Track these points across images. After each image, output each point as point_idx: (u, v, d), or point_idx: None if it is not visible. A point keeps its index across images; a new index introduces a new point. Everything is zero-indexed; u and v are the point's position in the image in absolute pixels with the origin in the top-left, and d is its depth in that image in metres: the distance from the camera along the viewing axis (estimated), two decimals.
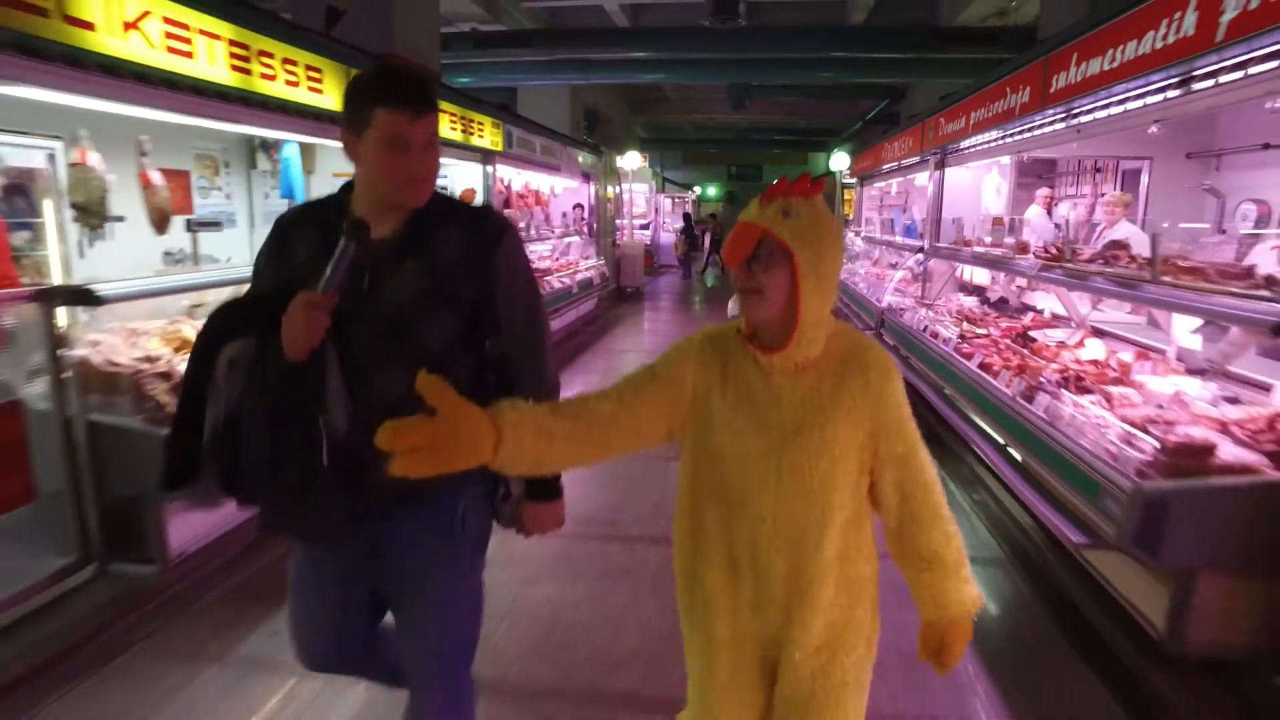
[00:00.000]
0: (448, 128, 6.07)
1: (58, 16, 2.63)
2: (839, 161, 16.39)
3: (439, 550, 1.57)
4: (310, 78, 4.18)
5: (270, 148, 6.89)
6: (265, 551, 3.32)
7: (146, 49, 3.03)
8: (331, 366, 1.43)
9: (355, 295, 1.43)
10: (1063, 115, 4.00)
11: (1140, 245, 4.12)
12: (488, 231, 1.53)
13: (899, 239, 8.63)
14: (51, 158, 4.63)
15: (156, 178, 3.80)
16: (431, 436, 1.13)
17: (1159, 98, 3.05)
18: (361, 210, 1.48)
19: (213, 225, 4.44)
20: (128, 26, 2.92)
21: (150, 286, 3.36)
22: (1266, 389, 3.17)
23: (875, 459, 1.38)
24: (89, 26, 2.76)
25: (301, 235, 1.51)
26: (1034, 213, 6.45)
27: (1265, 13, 2.30)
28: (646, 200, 18.36)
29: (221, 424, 1.42)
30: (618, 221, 14.81)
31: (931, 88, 12.28)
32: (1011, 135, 4.86)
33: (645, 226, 18.09)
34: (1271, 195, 5.36)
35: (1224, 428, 2.61)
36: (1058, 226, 6.35)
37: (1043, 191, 6.65)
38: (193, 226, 3.84)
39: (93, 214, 3.38)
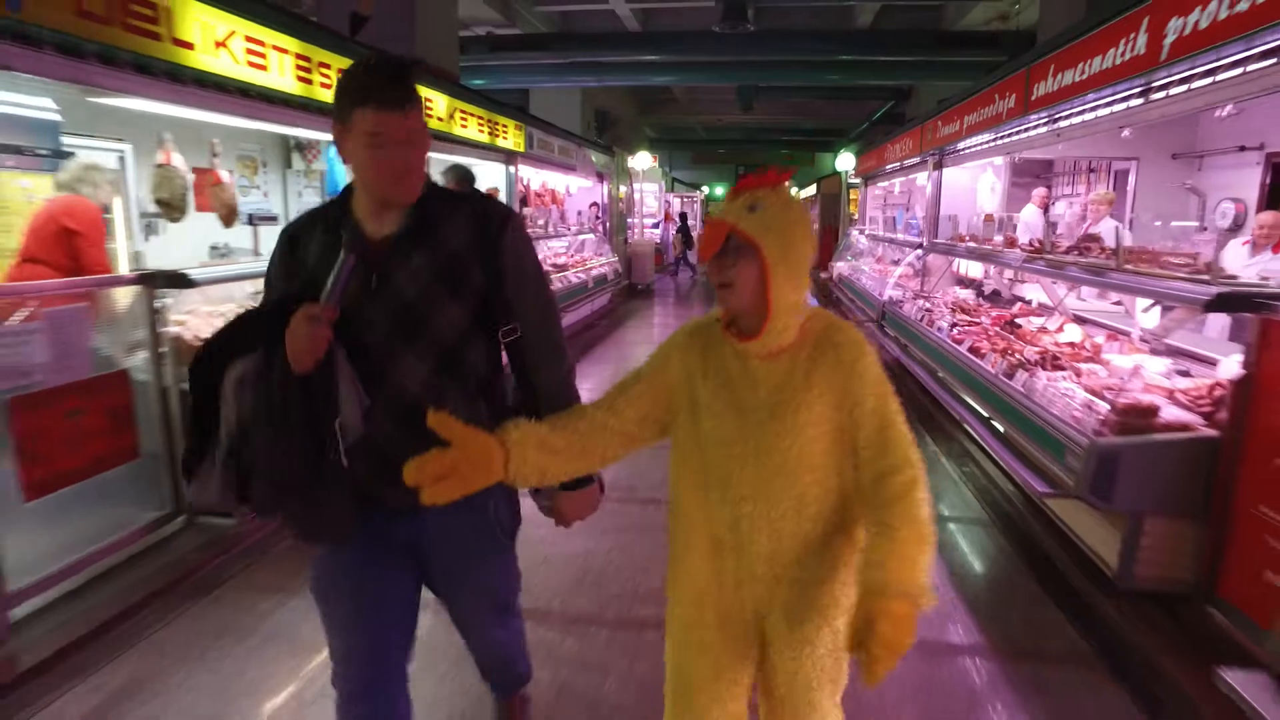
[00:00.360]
0: (475, 130, 6.49)
1: (168, 39, 3.07)
2: (845, 161, 16.73)
3: (475, 545, 1.63)
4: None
5: (305, 149, 7.32)
6: None
7: (232, 64, 3.46)
8: (341, 370, 1.42)
9: (364, 293, 1.44)
10: (1045, 120, 4.39)
11: (1124, 239, 4.50)
12: (491, 219, 1.52)
13: (900, 236, 9.01)
14: (121, 159, 5.08)
15: (226, 176, 4.23)
16: (452, 466, 1.25)
17: (1122, 106, 3.45)
18: (361, 209, 1.48)
19: (270, 220, 4.86)
20: (218, 45, 3.36)
21: (227, 273, 3.79)
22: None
23: (853, 437, 1.39)
24: (190, 46, 3.20)
25: (309, 240, 1.50)
26: (1030, 212, 6.84)
27: (1197, 38, 2.69)
28: (656, 199, 18.72)
29: (235, 438, 1.43)
30: (629, 220, 15.19)
31: (936, 89, 12.62)
32: (1001, 138, 5.24)
33: (656, 225, 18.45)
34: (1248, 194, 5.73)
35: (1170, 394, 3.01)
36: (1053, 224, 6.73)
37: (1039, 191, 7.03)
38: (253, 220, 4.26)
39: (175, 208, 3.81)
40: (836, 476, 1.40)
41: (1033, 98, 4.40)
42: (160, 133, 3.85)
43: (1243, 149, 5.68)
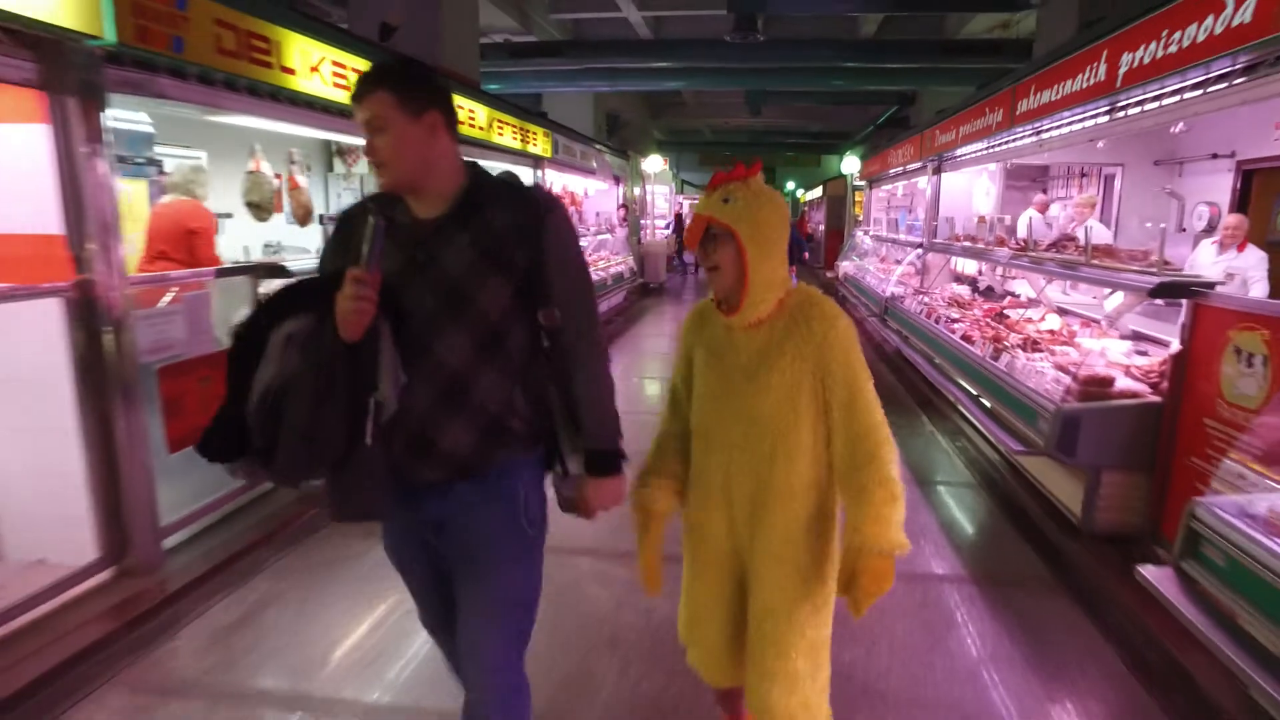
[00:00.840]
0: (510, 137, 7.04)
1: (276, 67, 3.62)
2: (850, 165, 17.22)
3: (502, 535, 1.58)
4: None
5: (346, 154, 7.89)
6: None
7: (321, 84, 4.01)
8: (385, 345, 1.45)
9: (412, 271, 1.48)
10: (1030, 132, 4.92)
11: (1104, 238, 5.03)
12: (536, 205, 1.55)
13: (902, 236, 9.53)
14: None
15: (302, 180, 4.78)
16: (654, 558, 1.75)
17: (1091, 121, 3.98)
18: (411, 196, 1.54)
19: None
20: (312, 69, 3.91)
21: (315, 265, 4.33)
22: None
23: (826, 402, 1.59)
24: (291, 72, 3.74)
25: (360, 223, 1.48)
26: (1029, 215, 7.35)
27: (1144, 70, 3.23)
28: (667, 200, 19.22)
29: (269, 397, 1.42)
30: (642, 221, 15.73)
31: (939, 94, 13.08)
32: (992, 147, 5.77)
33: (668, 226, 18.95)
34: (1221, 198, 6.24)
35: (1126, 370, 3.54)
36: (1049, 225, 7.25)
37: (1039, 197, 7.54)
38: (324, 220, 4.80)
39: (264, 209, 4.36)
40: (810, 434, 1.60)
41: (1017, 113, 4.93)
42: (252, 144, 4.40)
43: (1215, 156, 6.18)
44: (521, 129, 7.33)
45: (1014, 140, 5.19)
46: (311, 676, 2.55)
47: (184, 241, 3.70)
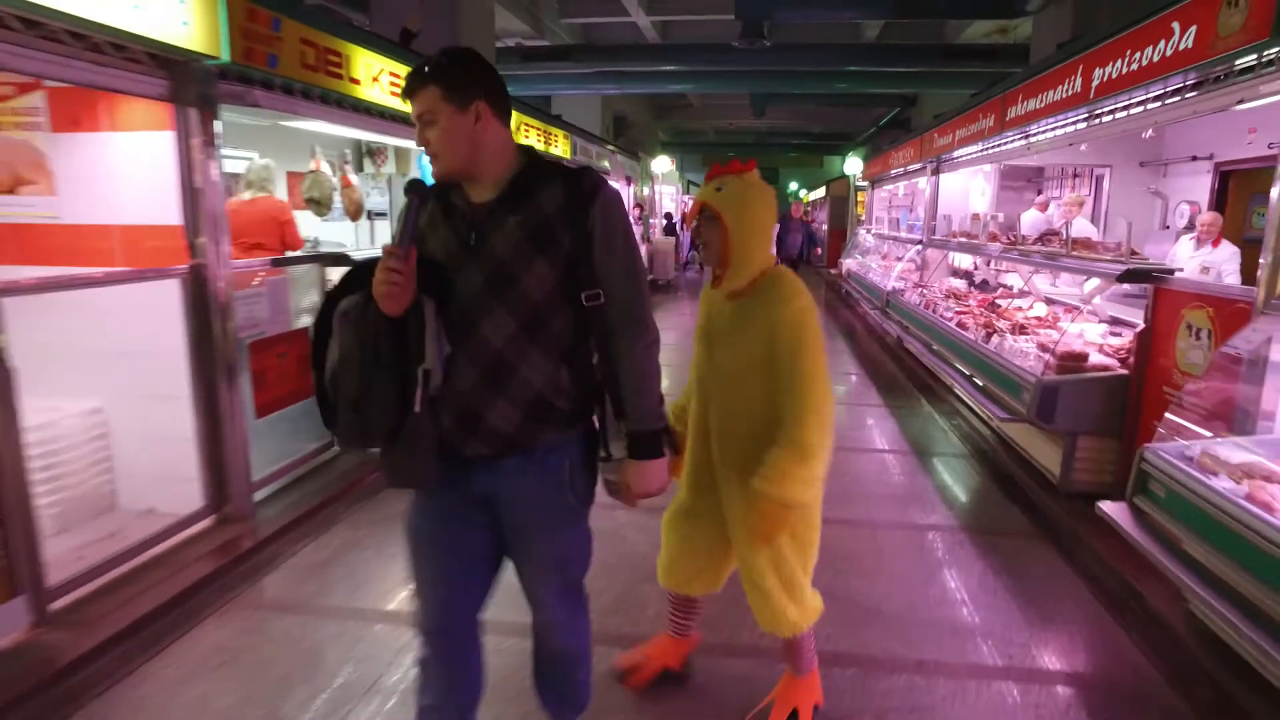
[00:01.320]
0: (535, 139, 7.50)
1: (346, 79, 4.07)
2: (852, 165, 17.64)
3: (549, 510, 1.65)
4: None
5: (375, 154, 8.33)
6: None
7: (380, 93, 4.46)
8: (430, 320, 1.50)
9: (463, 251, 1.55)
10: (1019, 137, 5.36)
11: (1085, 233, 5.47)
12: (583, 187, 1.57)
13: (903, 234, 9.97)
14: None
15: (354, 179, 5.24)
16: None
17: (1072, 128, 4.43)
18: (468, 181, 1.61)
19: (381, 215, 5.84)
20: (374, 79, 4.36)
21: (376, 254, 4.78)
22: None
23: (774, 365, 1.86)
24: (357, 82, 4.19)
25: (422, 209, 1.59)
26: (1032, 214, 7.77)
27: (1112, 84, 3.68)
28: (674, 200, 19.64)
29: (336, 368, 1.52)
30: (650, 220, 16.16)
31: (939, 97, 13.47)
32: (987, 149, 6.22)
33: (671, 228, 19.35)
34: (1201, 197, 6.67)
35: (1100, 348, 3.98)
36: (1049, 223, 7.67)
37: (1040, 198, 7.96)
38: (370, 216, 5.25)
39: (324, 205, 4.80)
40: (762, 389, 1.91)
41: (1007, 118, 5.38)
42: (312, 145, 4.86)
43: (1195, 159, 6.62)
44: (545, 131, 7.81)
45: (1005, 144, 5.64)
46: (395, 599, 3.01)
47: (277, 232, 4.14)
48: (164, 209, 3.18)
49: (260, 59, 3.35)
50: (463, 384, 1.55)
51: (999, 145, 5.78)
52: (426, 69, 1.52)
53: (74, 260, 3.29)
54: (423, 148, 1.55)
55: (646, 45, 12.98)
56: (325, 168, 4.85)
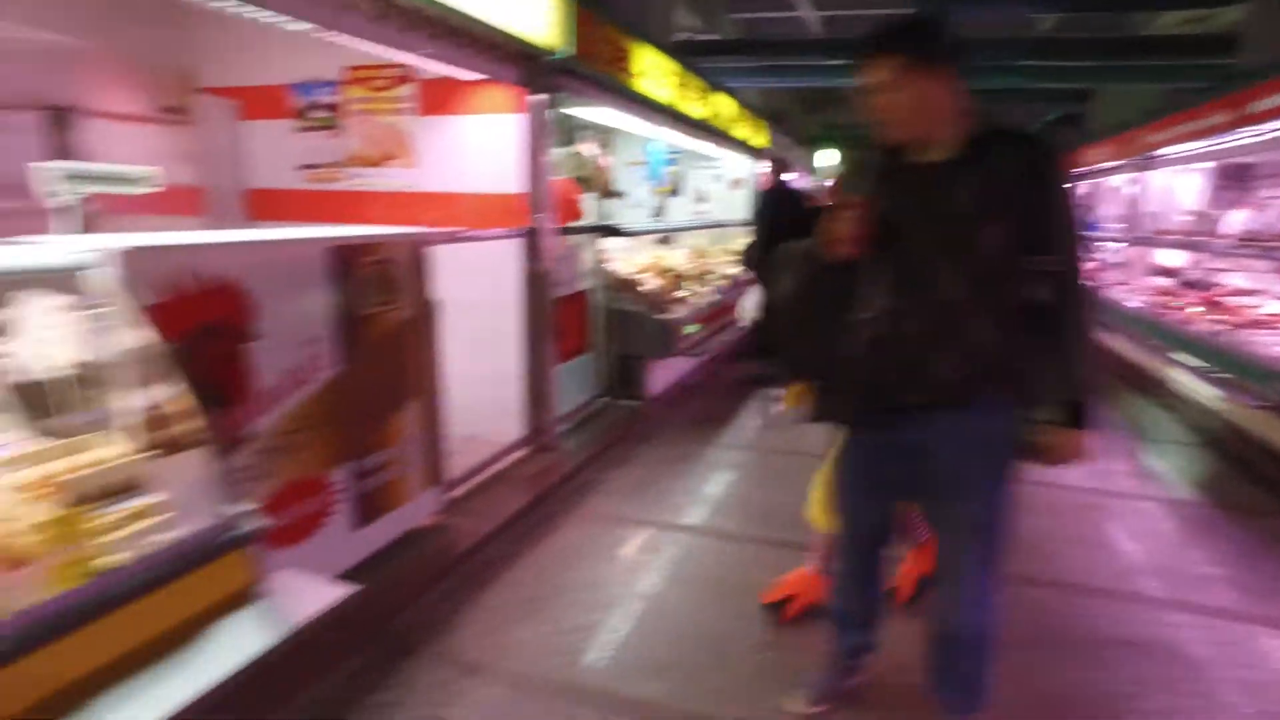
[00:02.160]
0: (746, 130, 8.06)
1: (627, 72, 4.59)
2: None
3: (977, 468, 1.67)
4: (696, 96, 6.20)
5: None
6: (706, 395, 5.47)
7: (647, 83, 4.97)
8: (875, 272, 1.58)
9: (916, 209, 1.59)
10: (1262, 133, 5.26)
11: None
12: (1040, 153, 1.57)
13: (1092, 233, 9.68)
14: None
15: (604, 161, 5.81)
16: None
17: None
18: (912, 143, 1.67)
19: (619, 195, 6.40)
20: (662, 79, 4.88)
21: (642, 228, 5.48)
22: None
23: None
24: (632, 75, 4.71)
25: (867, 172, 1.71)
26: (1242, 213, 7.49)
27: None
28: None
29: (780, 302, 1.67)
30: None
31: (1119, 94, 12.83)
32: (1214, 146, 6.09)
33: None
34: None
35: None
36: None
37: (1258, 196, 7.66)
38: (621, 195, 5.85)
39: (590, 184, 5.38)
40: None
41: (1247, 113, 5.27)
42: (582, 131, 5.44)
43: None
44: (753, 124, 8.35)
45: (1235, 140, 5.55)
46: (691, 514, 3.51)
47: (568, 209, 4.73)
48: (505, 180, 3.78)
49: (590, 56, 3.89)
50: (909, 334, 1.61)
51: (1229, 142, 5.68)
52: (890, 37, 1.59)
53: (424, 222, 3.93)
54: (876, 114, 1.62)
55: (812, 40, 13.06)
56: (587, 150, 5.41)
